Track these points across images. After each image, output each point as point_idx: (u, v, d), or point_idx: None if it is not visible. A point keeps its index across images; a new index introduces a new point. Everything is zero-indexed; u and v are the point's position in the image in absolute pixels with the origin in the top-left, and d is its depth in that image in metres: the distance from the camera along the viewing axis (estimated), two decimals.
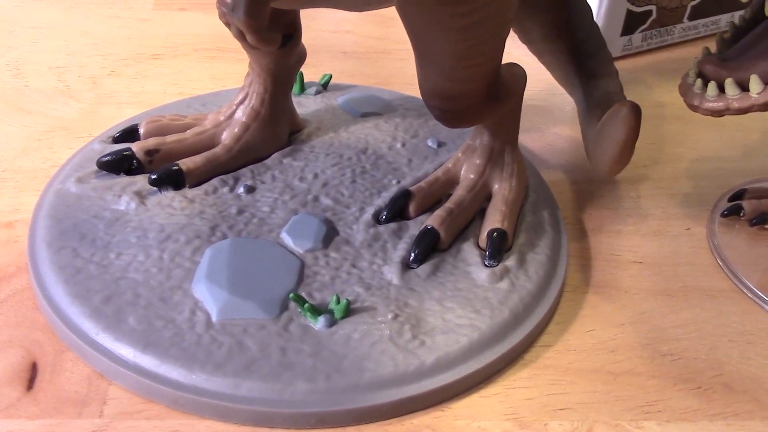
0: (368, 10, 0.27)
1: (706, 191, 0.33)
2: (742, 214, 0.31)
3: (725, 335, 0.27)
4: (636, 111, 0.26)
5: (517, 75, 0.29)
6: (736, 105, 0.25)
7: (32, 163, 0.32)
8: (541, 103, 0.38)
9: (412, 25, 0.25)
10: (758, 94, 0.24)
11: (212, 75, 0.39)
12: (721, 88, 0.25)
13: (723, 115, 0.25)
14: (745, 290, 0.28)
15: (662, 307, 0.28)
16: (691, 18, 0.44)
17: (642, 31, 0.43)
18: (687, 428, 0.23)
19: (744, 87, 0.25)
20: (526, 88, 0.30)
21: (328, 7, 0.26)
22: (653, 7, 0.42)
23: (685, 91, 0.26)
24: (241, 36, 0.24)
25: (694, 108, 0.26)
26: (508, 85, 0.28)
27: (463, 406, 0.24)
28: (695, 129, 0.37)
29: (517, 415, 0.23)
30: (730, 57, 0.25)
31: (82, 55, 0.41)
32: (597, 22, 0.34)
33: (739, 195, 0.32)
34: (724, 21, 0.45)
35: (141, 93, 0.38)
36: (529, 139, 0.36)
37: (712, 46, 0.28)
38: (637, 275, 0.29)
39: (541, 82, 0.37)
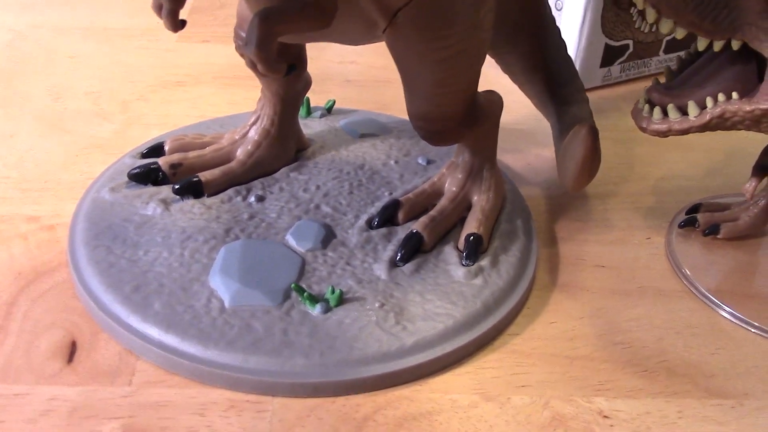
0: (364, 44, 0.31)
1: (668, 206, 0.37)
2: (696, 226, 0.35)
3: (672, 328, 0.30)
4: (593, 132, 0.30)
5: (494, 101, 0.34)
6: (677, 127, 0.29)
7: (71, 176, 0.37)
8: (523, 127, 0.42)
9: (398, 57, 0.29)
10: (695, 117, 0.28)
11: (229, 100, 0.44)
12: (666, 113, 0.29)
13: (667, 136, 0.29)
14: (694, 291, 0.32)
15: (618, 304, 0.31)
16: (666, 51, 0.48)
17: (620, 62, 0.47)
18: (631, 404, 0.27)
19: (684, 111, 0.29)
20: (511, 113, 0.34)
21: (327, 41, 0.31)
22: (630, 42, 0.46)
23: (635, 115, 0.30)
24: (253, 65, 0.28)
25: (642, 129, 0.30)
26: (485, 109, 0.33)
27: (438, 381, 0.27)
28: (664, 150, 0.41)
29: (484, 390, 0.27)
30: (674, 86, 0.29)
31: (114, 82, 0.45)
32: (578, 55, 0.38)
33: (695, 209, 0.36)
34: None
35: (166, 116, 0.42)
36: (511, 158, 0.40)
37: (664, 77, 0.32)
38: (598, 277, 0.33)
39: (525, 108, 0.41)
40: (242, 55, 0.31)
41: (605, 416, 0.26)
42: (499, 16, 0.33)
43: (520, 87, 0.38)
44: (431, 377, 0.27)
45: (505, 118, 0.37)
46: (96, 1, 0.56)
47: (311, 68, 0.36)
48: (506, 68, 0.38)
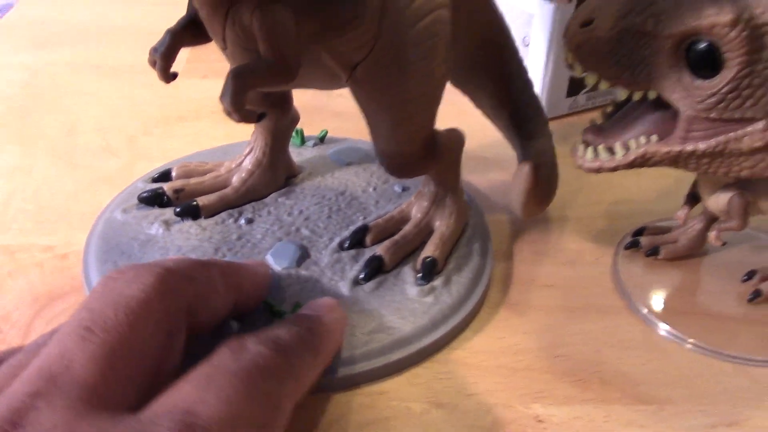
0: (333, 90, 0.35)
1: (618, 228, 0.41)
2: (640, 247, 0.39)
3: (608, 342, 0.34)
4: (533, 169, 0.34)
5: (454, 137, 0.37)
6: (607, 165, 0.33)
7: (81, 208, 0.41)
8: (492, 156, 0.46)
9: (360, 102, 0.33)
10: (622, 156, 0.32)
11: (227, 133, 0.48)
12: (598, 152, 0.33)
13: (600, 172, 0.33)
14: (633, 308, 0.36)
15: (563, 321, 0.35)
16: None
17: (586, 92, 0.51)
18: (564, 409, 0.31)
19: (613, 151, 0.33)
20: (483, 140, 0.38)
21: (300, 88, 0.35)
22: None
23: (573, 153, 0.34)
24: (228, 114, 0.32)
25: (579, 166, 0.34)
26: (445, 145, 0.36)
27: (396, 391, 0.31)
28: (619, 176, 0.44)
29: (436, 399, 0.31)
30: (605, 128, 0.33)
31: (121, 118, 0.50)
32: (545, 86, 0.42)
33: (640, 231, 0.40)
34: None
35: (169, 150, 0.46)
36: (480, 183, 0.44)
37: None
38: (547, 296, 0.37)
39: (496, 135, 0.44)
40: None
41: (540, 420, 0.30)
42: (464, 59, 0.37)
43: (490, 121, 0.42)
44: (390, 387, 0.31)
45: (478, 144, 0.42)
46: (106, 39, 0.61)
47: (308, 100, 0.40)
48: (476, 103, 0.41)
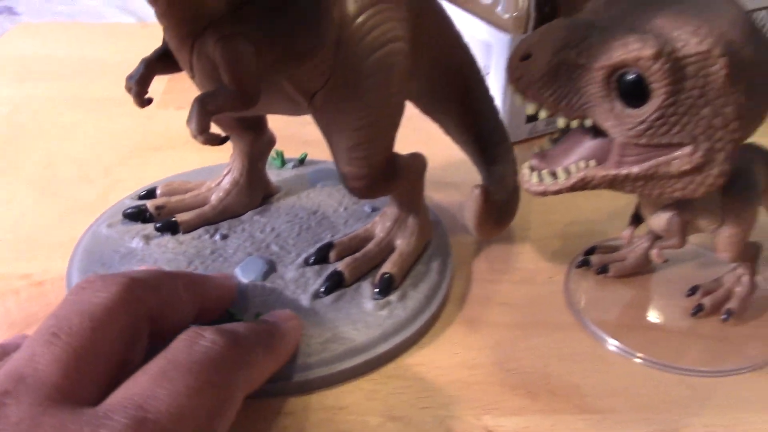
0: (297, 116, 0.37)
1: (571, 248, 0.43)
2: (590, 266, 0.41)
3: (558, 356, 0.36)
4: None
5: (416, 161, 0.39)
6: (551, 189, 0.35)
7: (58, 237, 0.43)
8: (459, 179, 0.48)
9: (320, 125, 0.35)
10: (564, 180, 0.34)
11: (200, 161, 0.50)
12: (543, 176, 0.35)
13: (546, 195, 0.35)
14: (582, 323, 0.38)
15: (515, 337, 0.37)
16: None
17: (545, 118, 0.53)
18: (514, 419, 0.33)
19: (556, 176, 0.35)
20: (451, 165, 0.40)
21: (267, 114, 0.37)
22: None
23: (521, 177, 0.36)
24: (194, 137, 0.33)
25: (526, 190, 0.36)
26: (406, 168, 0.38)
27: (353, 405, 0.33)
28: (575, 198, 0.46)
29: (391, 412, 0.33)
30: (549, 154, 0.35)
31: (98, 148, 0.52)
32: (505, 112, 0.43)
33: (591, 251, 0.42)
34: None
35: (143, 179, 0.48)
36: (447, 204, 0.47)
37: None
38: (501, 313, 0.38)
39: (465, 162, 0.46)
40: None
41: (490, 431, 0.32)
42: (430, 89, 0.39)
43: (458, 146, 0.44)
44: (349, 402, 0.33)
45: (447, 167, 0.44)
46: (85, 73, 0.63)
47: (290, 125, 0.42)
48: (444, 130, 0.43)
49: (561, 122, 0.33)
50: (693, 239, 0.38)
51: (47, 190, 0.47)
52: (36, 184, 0.48)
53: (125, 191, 0.47)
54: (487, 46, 0.51)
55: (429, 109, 0.41)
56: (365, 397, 0.34)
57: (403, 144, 0.37)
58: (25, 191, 0.47)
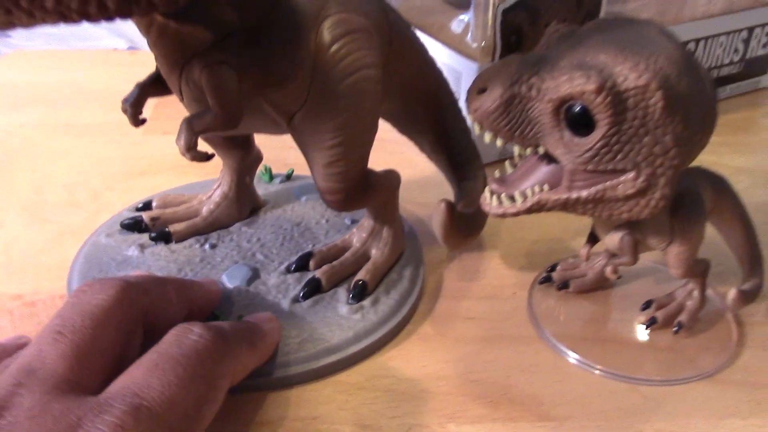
0: (279, 135, 0.39)
1: (537, 264, 0.45)
2: (552, 281, 0.43)
3: (518, 367, 0.38)
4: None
5: (390, 177, 0.42)
6: (510, 211, 0.37)
7: (49, 259, 0.45)
8: (434, 195, 0.50)
9: (298, 143, 0.38)
10: (521, 203, 0.37)
11: (184, 186, 0.52)
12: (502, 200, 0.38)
13: (505, 217, 0.37)
14: (543, 337, 0.40)
15: (480, 350, 0.39)
16: None
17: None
18: (476, 426, 0.35)
19: (514, 199, 0.37)
20: (427, 176, 0.43)
21: (252, 132, 0.40)
22: None
23: (482, 201, 0.38)
24: (183, 154, 0.36)
25: (487, 213, 0.38)
26: (380, 183, 0.41)
27: (325, 415, 0.35)
28: (543, 216, 0.49)
29: (361, 421, 0.35)
30: (508, 178, 0.38)
31: (87, 174, 0.54)
32: (474, 136, 0.46)
33: (553, 267, 0.44)
34: None
35: (130, 203, 0.50)
36: (424, 216, 0.49)
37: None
38: (467, 327, 0.41)
39: (441, 178, 0.49)
40: None
41: None
42: (405, 111, 0.42)
43: (434, 164, 0.47)
44: (322, 413, 0.35)
45: (423, 181, 0.46)
46: (76, 99, 0.65)
47: (280, 142, 0.44)
48: (419, 148, 0.46)
49: (517, 149, 0.36)
50: (650, 256, 0.41)
51: (37, 215, 0.49)
52: (27, 208, 0.50)
53: (112, 215, 0.49)
54: (457, 73, 0.54)
55: (405, 129, 0.45)
56: (338, 407, 0.36)
57: (382, 165, 0.40)
58: (16, 215, 0.49)
